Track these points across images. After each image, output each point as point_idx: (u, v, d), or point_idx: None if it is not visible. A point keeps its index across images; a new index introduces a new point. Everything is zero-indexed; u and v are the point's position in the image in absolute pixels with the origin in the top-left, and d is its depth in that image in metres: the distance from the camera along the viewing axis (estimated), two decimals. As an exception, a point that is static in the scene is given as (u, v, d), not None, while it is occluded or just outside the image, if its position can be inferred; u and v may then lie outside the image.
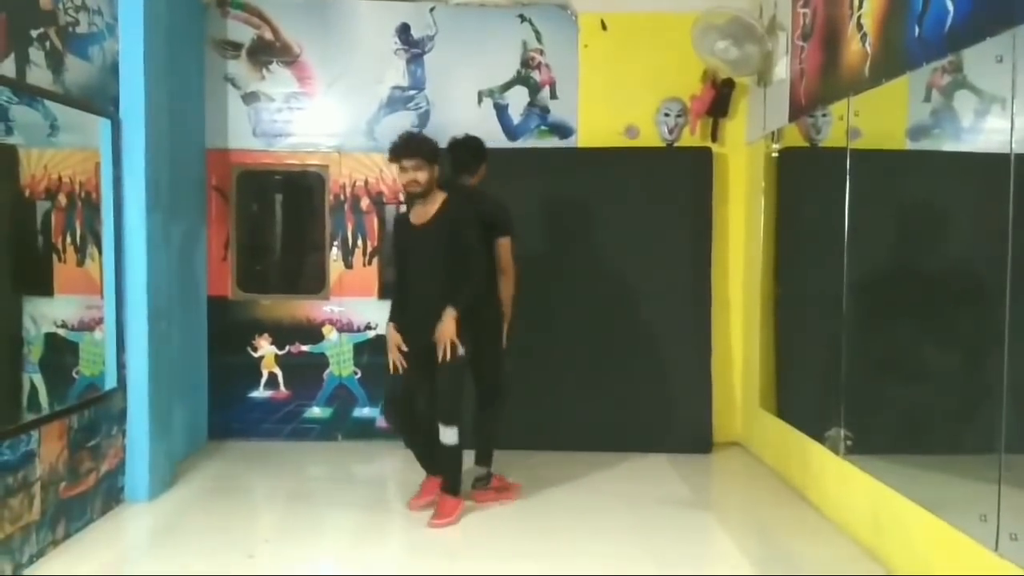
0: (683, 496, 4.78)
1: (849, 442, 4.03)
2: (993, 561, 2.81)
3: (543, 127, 5.92)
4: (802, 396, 4.96)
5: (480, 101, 5.89)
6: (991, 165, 2.93)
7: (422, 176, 4.18)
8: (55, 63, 3.88)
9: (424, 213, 4.29)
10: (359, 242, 5.89)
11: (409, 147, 4.22)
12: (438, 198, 4.28)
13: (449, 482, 4.30)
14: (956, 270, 3.40)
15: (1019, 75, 2.74)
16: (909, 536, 3.48)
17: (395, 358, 4.29)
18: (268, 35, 5.86)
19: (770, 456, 5.31)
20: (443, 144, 4.60)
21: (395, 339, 4.29)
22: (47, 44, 3.82)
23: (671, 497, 4.74)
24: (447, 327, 4.15)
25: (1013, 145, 2.77)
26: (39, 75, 3.75)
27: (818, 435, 4.36)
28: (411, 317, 4.29)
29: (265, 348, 5.91)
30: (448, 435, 4.22)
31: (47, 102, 3.85)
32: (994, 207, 2.85)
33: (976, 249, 3.23)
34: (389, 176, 5.84)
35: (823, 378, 4.32)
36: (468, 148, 4.60)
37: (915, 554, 3.44)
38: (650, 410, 5.62)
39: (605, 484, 4.88)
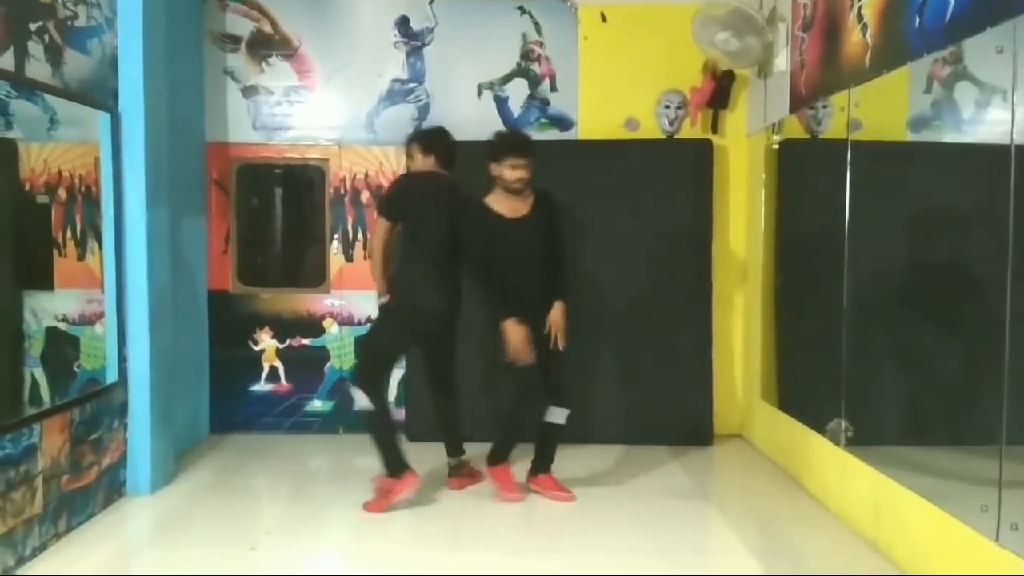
0: (684, 487, 4.79)
1: (850, 433, 4.03)
2: (994, 551, 2.82)
3: (543, 119, 5.91)
4: (803, 388, 4.96)
5: (480, 94, 5.88)
6: (992, 156, 2.93)
7: (527, 174, 4.34)
8: (54, 57, 3.87)
9: (518, 207, 4.38)
10: (359, 235, 5.89)
11: (527, 145, 4.38)
12: (530, 193, 4.43)
13: (552, 460, 4.59)
14: (957, 261, 3.40)
15: (1019, 66, 2.73)
16: (910, 527, 3.49)
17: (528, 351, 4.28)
18: (267, 28, 5.85)
19: (771, 448, 5.32)
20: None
21: (525, 333, 4.27)
22: (46, 38, 3.81)
23: (672, 488, 4.75)
24: (563, 317, 4.36)
25: (1014, 136, 2.77)
26: (38, 69, 3.75)
27: (819, 426, 4.37)
28: (521, 309, 4.29)
29: (266, 342, 5.92)
30: (563, 416, 4.46)
31: (46, 96, 3.85)
32: (995, 198, 2.85)
33: (977, 240, 3.23)
34: (389, 169, 5.84)
35: (824, 370, 4.32)
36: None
37: (916, 545, 3.44)
38: (651, 402, 5.62)
39: (606, 476, 4.89)
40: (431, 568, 3.70)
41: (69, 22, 4.00)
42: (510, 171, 4.31)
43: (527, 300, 4.32)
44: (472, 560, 3.77)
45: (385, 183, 5.85)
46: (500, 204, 4.37)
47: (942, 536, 3.22)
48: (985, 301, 3.05)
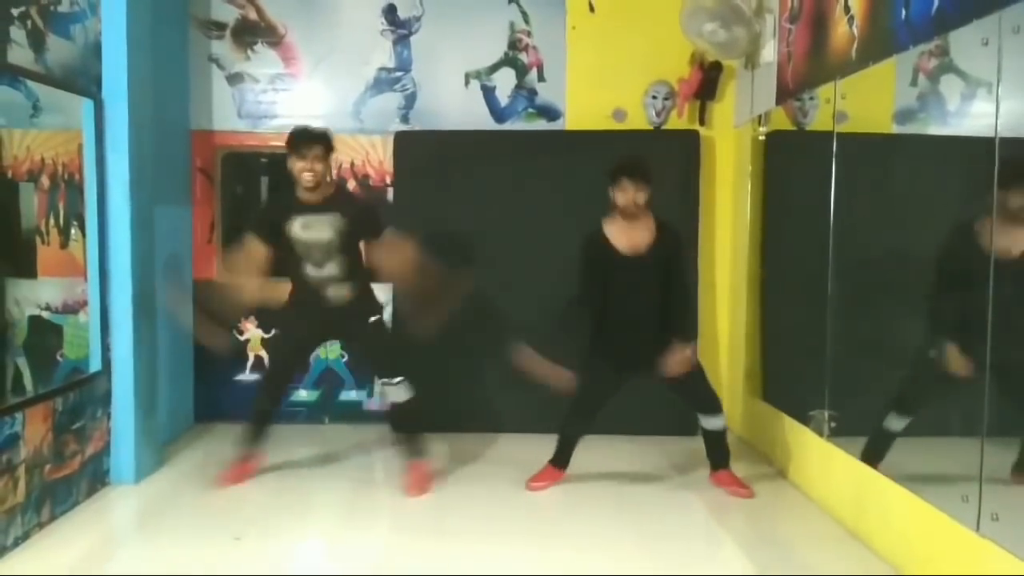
0: (668, 477, 4.81)
1: (833, 424, 4.06)
2: (975, 541, 2.85)
3: (530, 109, 5.89)
4: (787, 378, 4.99)
5: (467, 83, 5.86)
6: (976, 149, 2.94)
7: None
8: (37, 42, 3.83)
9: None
10: (345, 224, 5.86)
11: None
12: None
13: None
14: (941, 253, 3.41)
15: (1004, 58, 2.75)
16: (891, 516, 3.52)
17: None
18: (252, 15, 5.81)
19: (755, 437, 5.35)
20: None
21: None
22: (28, 23, 3.77)
23: (656, 478, 4.77)
24: None
25: (998, 128, 2.78)
26: (20, 55, 3.71)
27: (802, 417, 4.39)
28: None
29: (251, 331, 5.89)
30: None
31: (29, 82, 3.81)
32: (979, 190, 2.86)
33: (961, 232, 3.24)
34: (375, 158, 5.82)
35: (808, 360, 4.34)
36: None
37: (897, 534, 3.47)
38: (636, 392, 5.60)
39: (589, 465, 4.89)
40: (415, 557, 3.70)
41: (52, 7, 3.96)
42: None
43: None
44: (455, 547, 3.78)
45: (372, 173, 5.84)
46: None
47: (923, 526, 3.24)
48: (969, 293, 3.06)
